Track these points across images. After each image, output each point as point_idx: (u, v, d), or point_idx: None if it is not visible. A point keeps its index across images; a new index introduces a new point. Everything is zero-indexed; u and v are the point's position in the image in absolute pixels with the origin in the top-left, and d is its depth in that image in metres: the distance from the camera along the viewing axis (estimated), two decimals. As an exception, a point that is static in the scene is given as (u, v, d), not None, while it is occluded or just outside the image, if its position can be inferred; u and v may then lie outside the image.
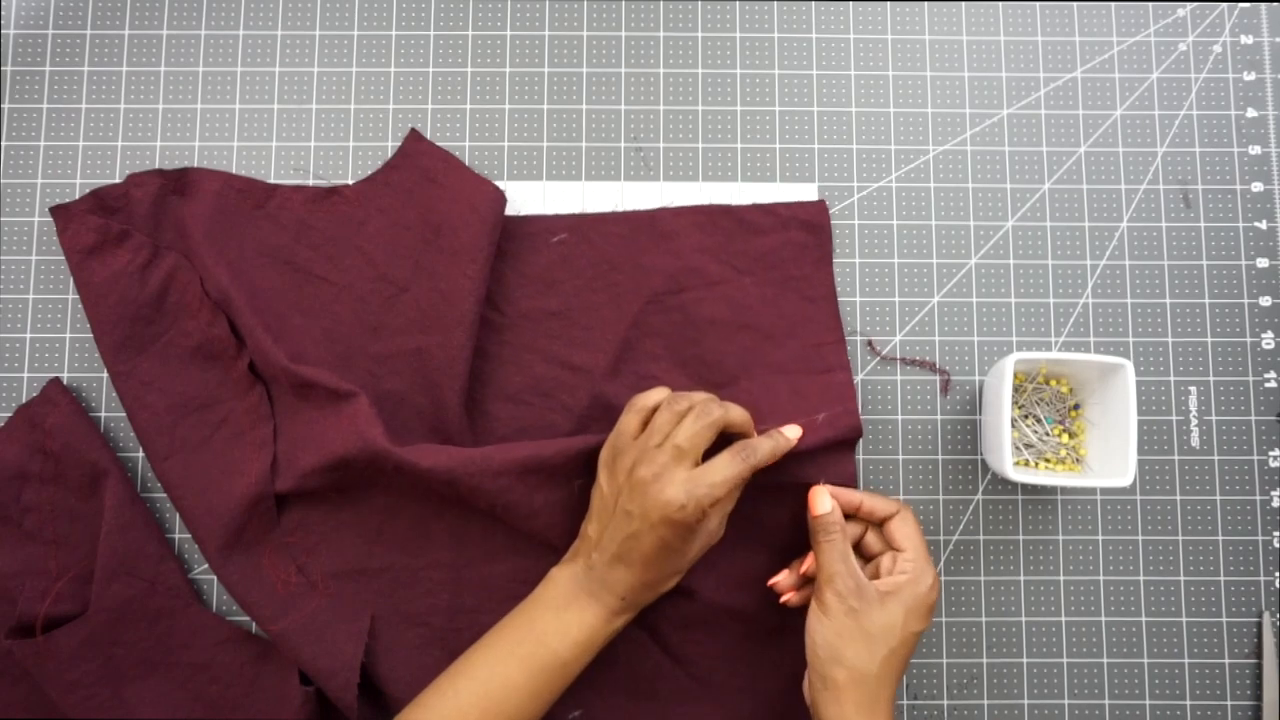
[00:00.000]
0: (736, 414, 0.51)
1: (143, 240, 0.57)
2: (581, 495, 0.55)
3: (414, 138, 0.61)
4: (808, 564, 0.53)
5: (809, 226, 0.60)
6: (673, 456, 0.48)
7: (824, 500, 0.52)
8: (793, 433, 0.53)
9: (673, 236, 0.60)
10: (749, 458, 0.50)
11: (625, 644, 0.56)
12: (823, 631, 0.49)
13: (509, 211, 0.60)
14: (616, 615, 0.50)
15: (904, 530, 0.52)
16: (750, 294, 0.59)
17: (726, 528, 0.51)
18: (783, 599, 0.54)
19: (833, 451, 0.56)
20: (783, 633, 0.56)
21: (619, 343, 0.59)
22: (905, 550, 0.51)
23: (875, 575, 0.52)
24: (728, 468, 0.49)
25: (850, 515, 0.53)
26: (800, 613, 0.53)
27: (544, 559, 0.57)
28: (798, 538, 0.55)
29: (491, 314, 0.59)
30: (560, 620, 0.50)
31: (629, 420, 0.51)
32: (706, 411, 0.50)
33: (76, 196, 0.59)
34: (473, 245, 0.57)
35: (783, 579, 0.54)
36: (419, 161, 0.60)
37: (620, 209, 0.61)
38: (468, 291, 0.57)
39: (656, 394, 0.52)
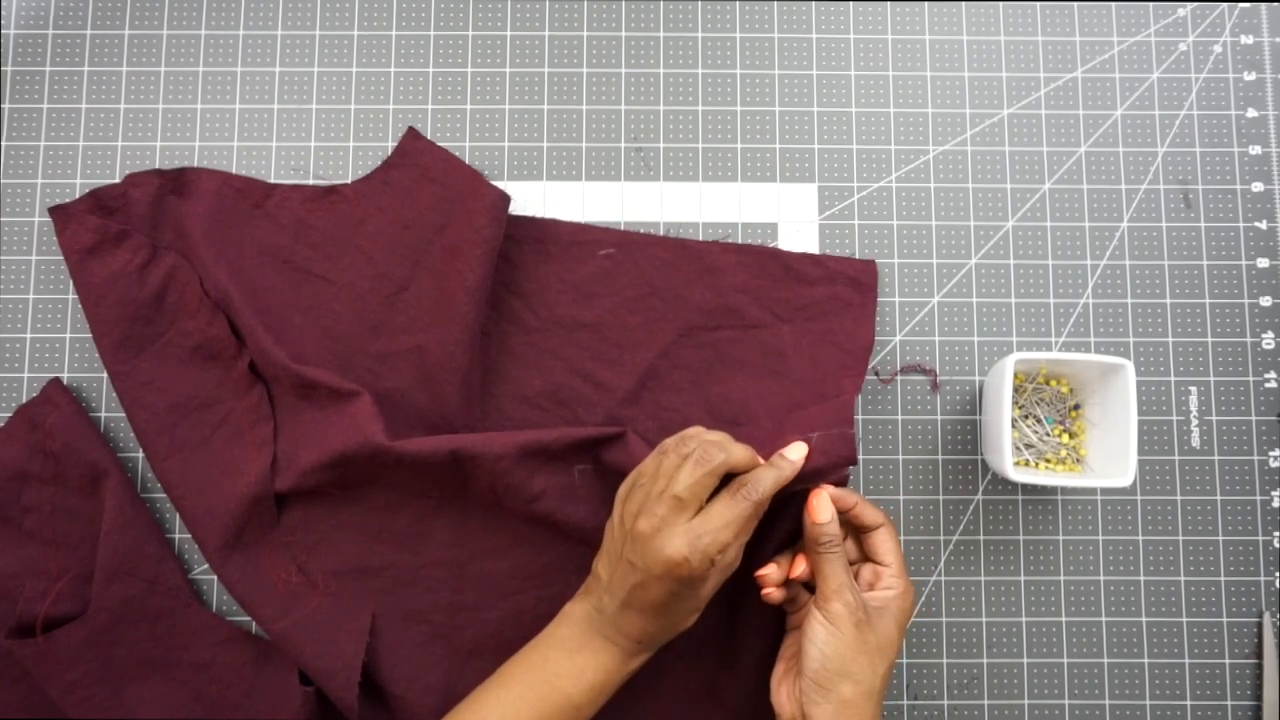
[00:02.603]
0: (739, 455, 0.48)
1: (141, 240, 0.57)
2: (581, 480, 0.55)
3: (412, 136, 0.61)
4: (800, 569, 0.51)
5: (856, 284, 0.60)
6: (672, 508, 0.46)
7: (825, 508, 0.50)
8: (795, 453, 0.50)
9: (718, 272, 0.60)
10: (750, 494, 0.47)
11: None
12: (833, 644, 0.47)
13: (531, 213, 0.60)
14: (632, 657, 0.49)
15: (888, 544, 0.51)
16: (785, 342, 0.59)
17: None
18: (764, 592, 0.52)
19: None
20: (772, 620, 0.56)
21: (645, 369, 0.59)
22: (889, 565, 0.50)
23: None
24: (728, 510, 0.47)
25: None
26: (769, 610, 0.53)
27: (544, 555, 0.57)
28: (783, 536, 0.54)
29: (525, 314, 0.59)
30: (574, 663, 0.48)
31: (650, 463, 0.49)
32: (707, 458, 0.47)
33: (76, 196, 0.59)
34: (472, 243, 0.57)
35: (771, 573, 0.52)
36: (417, 160, 0.60)
37: (664, 229, 0.61)
38: (465, 289, 0.57)
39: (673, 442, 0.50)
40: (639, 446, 0.54)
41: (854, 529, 0.53)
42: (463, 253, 0.57)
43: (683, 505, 0.46)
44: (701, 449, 0.47)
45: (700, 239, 0.61)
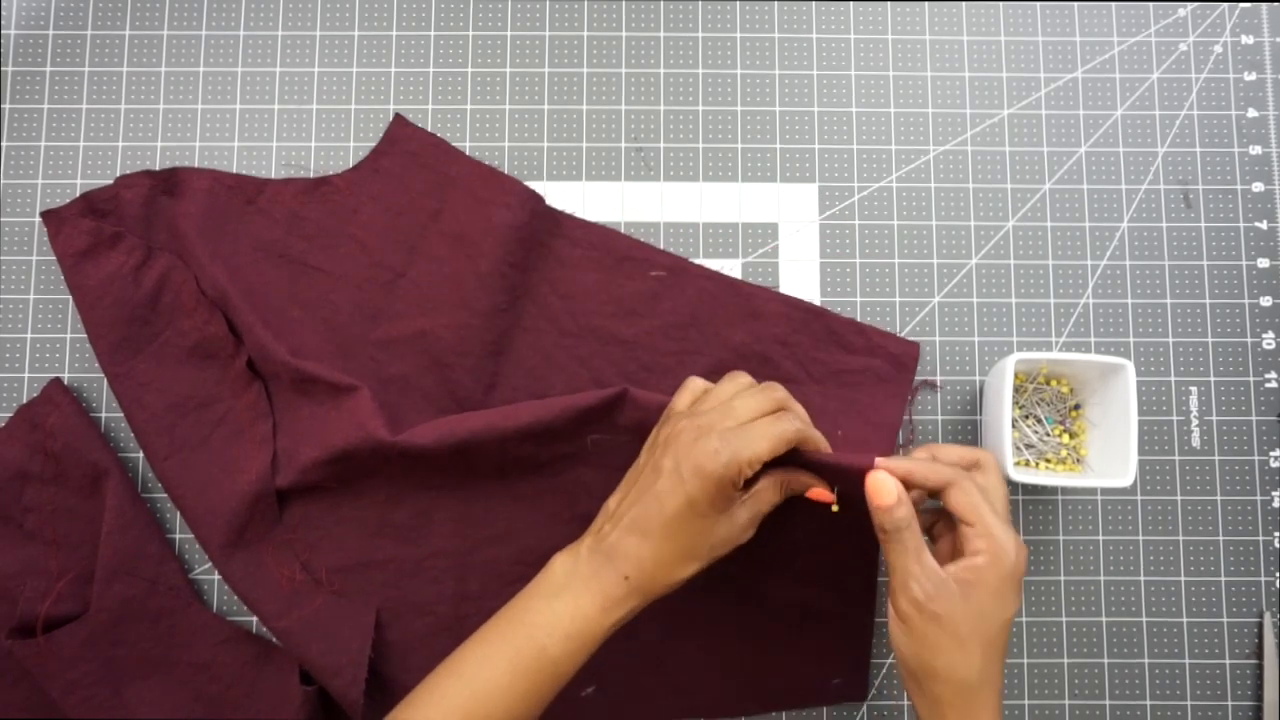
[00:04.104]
0: (816, 434, 0.47)
1: (136, 242, 0.57)
2: (595, 450, 0.56)
3: (399, 124, 0.61)
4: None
5: (895, 361, 0.59)
6: (721, 414, 0.45)
7: (887, 488, 0.44)
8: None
9: (761, 318, 0.59)
10: (792, 420, 0.46)
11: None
12: (908, 644, 0.44)
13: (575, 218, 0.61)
14: (615, 605, 0.45)
15: (965, 500, 0.44)
16: (813, 402, 0.58)
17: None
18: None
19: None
20: (791, 603, 0.57)
21: (668, 395, 0.59)
22: (974, 524, 0.43)
23: (956, 553, 0.45)
24: (768, 426, 0.45)
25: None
26: (811, 582, 0.53)
27: (547, 540, 0.57)
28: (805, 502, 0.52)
29: (564, 316, 0.59)
30: (551, 609, 0.45)
31: (682, 398, 0.49)
32: (790, 419, 0.46)
33: (77, 196, 0.59)
34: (484, 232, 0.58)
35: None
36: (405, 146, 0.61)
37: (717, 265, 0.61)
38: (476, 275, 0.57)
39: (702, 382, 0.50)
40: (643, 397, 0.54)
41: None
42: (470, 241, 0.58)
43: (733, 414, 0.46)
44: (793, 412, 0.47)
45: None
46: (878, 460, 0.45)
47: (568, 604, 0.45)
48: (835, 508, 0.49)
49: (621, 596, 0.45)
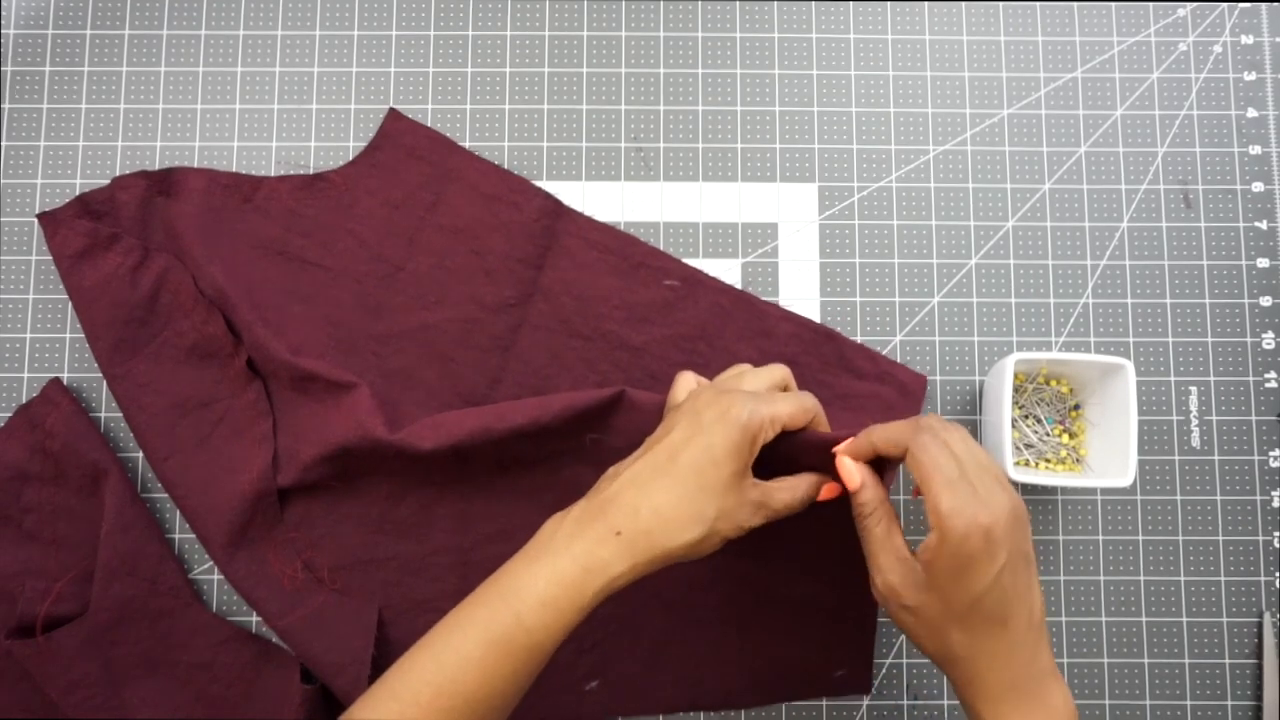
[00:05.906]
0: (824, 418, 0.47)
1: (132, 242, 0.57)
2: (593, 448, 0.56)
3: (393, 117, 0.61)
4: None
5: (903, 390, 0.59)
6: (737, 383, 0.46)
7: (851, 473, 0.43)
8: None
9: (770, 337, 0.59)
10: (808, 399, 0.46)
11: (632, 609, 0.56)
12: (905, 627, 0.42)
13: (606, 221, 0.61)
14: (600, 568, 0.41)
15: (917, 462, 0.40)
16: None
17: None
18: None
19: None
20: (794, 595, 0.57)
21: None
22: (926, 493, 0.40)
23: None
24: (793, 399, 0.45)
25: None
26: (815, 573, 0.53)
27: None
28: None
29: (576, 318, 0.60)
30: (529, 572, 0.41)
31: (678, 391, 0.49)
32: (805, 399, 0.46)
33: (77, 196, 0.59)
34: (490, 228, 0.58)
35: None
36: (400, 140, 0.61)
37: (733, 271, 0.61)
38: (484, 270, 0.58)
39: (695, 375, 0.51)
40: (640, 397, 0.55)
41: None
42: (473, 234, 0.59)
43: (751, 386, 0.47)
44: (802, 394, 0.47)
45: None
46: (838, 448, 0.44)
47: (545, 567, 0.41)
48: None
49: (608, 557, 0.41)
